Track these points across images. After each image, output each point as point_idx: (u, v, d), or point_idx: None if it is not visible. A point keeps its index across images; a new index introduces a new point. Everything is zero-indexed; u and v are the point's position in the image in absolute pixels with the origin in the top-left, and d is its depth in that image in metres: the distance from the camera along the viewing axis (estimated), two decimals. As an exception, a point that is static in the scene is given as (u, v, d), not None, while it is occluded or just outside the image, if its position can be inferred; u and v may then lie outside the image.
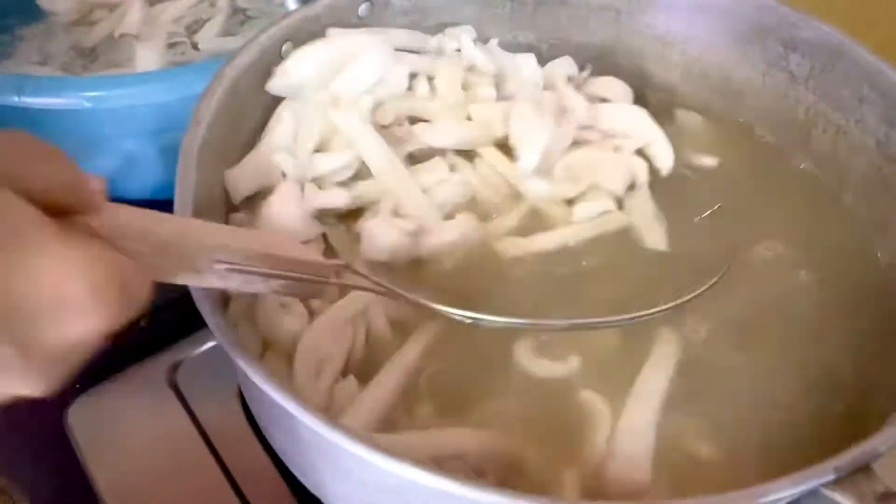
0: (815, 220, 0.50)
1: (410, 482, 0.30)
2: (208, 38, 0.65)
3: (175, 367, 0.53)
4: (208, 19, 0.67)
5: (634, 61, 0.57)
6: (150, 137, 0.55)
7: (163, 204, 0.52)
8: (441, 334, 0.42)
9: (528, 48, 0.56)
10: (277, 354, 0.40)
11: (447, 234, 0.46)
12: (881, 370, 0.42)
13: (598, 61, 0.56)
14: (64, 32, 0.66)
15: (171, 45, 0.64)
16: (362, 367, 0.41)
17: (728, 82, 0.54)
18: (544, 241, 0.47)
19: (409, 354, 0.41)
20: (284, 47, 0.47)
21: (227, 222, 0.44)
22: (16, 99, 0.49)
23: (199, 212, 0.38)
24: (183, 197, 0.38)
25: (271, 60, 0.46)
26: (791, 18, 0.50)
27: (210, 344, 0.54)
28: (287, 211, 0.43)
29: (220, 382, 0.51)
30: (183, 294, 0.54)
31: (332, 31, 0.49)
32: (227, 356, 0.34)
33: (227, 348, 0.33)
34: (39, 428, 0.51)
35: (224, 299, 0.42)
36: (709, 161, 0.53)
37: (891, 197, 0.47)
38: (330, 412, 0.38)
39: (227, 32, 0.66)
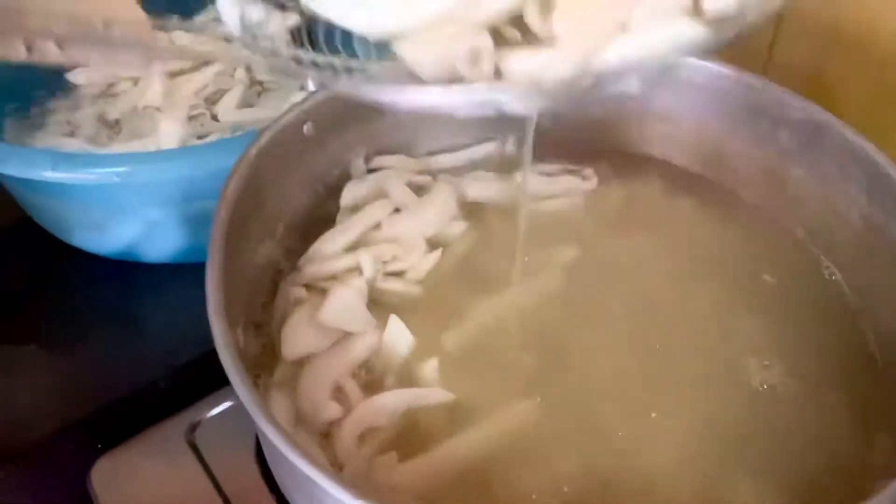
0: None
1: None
2: (227, 110, 0.67)
3: (194, 427, 0.54)
4: (227, 90, 0.69)
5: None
6: (173, 207, 0.57)
7: (186, 267, 0.55)
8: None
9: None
10: (309, 428, 0.42)
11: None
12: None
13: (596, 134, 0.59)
14: (89, 104, 0.69)
15: (192, 117, 0.66)
16: (407, 446, 0.42)
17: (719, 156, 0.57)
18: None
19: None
20: (306, 127, 0.50)
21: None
22: (49, 174, 0.52)
23: (231, 294, 0.40)
24: (214, 280, 0.40)
25: (293, 140, 0.49)
26: (782, 98, 0.52)
27: (228, 404, 0.55)
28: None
29: (238, 442, 0.52)
30: (201, 354, 0.56)
31: None
32: (245, 416, 0.35)
33: (252, 415, 0.35)
34: (63, 488, 0.52)
35: (269, 365, 0.44)
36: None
37: (876, 265, 0.49)
38: (366, 480, 0.40)
39: (245, 104, 0.69)
